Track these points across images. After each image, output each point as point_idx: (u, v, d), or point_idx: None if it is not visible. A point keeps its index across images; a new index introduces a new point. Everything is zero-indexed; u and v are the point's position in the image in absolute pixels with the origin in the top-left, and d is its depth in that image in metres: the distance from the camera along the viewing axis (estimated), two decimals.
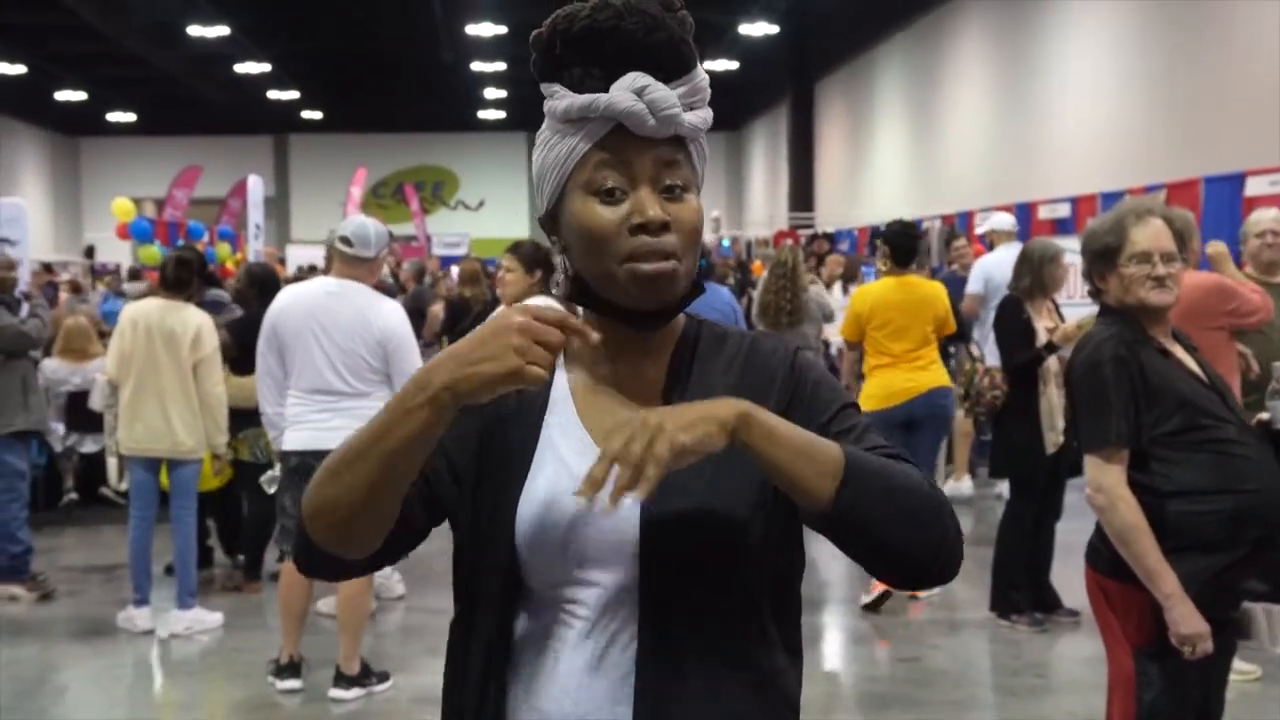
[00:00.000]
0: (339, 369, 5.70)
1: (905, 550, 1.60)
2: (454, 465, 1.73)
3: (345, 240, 5.82)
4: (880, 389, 7.37)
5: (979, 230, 13.45)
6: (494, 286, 6.44)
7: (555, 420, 1.75)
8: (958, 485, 10.48)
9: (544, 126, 1.72)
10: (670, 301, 1.69)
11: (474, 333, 1.56)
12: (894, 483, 1.59)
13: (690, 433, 1.50)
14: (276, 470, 6.11)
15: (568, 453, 1.72)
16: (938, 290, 7.63)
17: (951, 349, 10.19)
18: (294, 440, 5.77)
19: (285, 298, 5.93)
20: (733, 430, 1.52)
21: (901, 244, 7.56)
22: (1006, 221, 10.50)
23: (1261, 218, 6.27)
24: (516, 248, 6.34)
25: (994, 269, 9.43)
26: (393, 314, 5.83)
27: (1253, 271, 6.16)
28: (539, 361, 1.52)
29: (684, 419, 1.51)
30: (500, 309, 1.65)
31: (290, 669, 6.01)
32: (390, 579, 7.47)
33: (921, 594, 7.48)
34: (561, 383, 1.78)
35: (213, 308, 8.16)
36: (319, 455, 5.61)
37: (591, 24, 1.65)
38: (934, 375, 7.38)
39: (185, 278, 7.12)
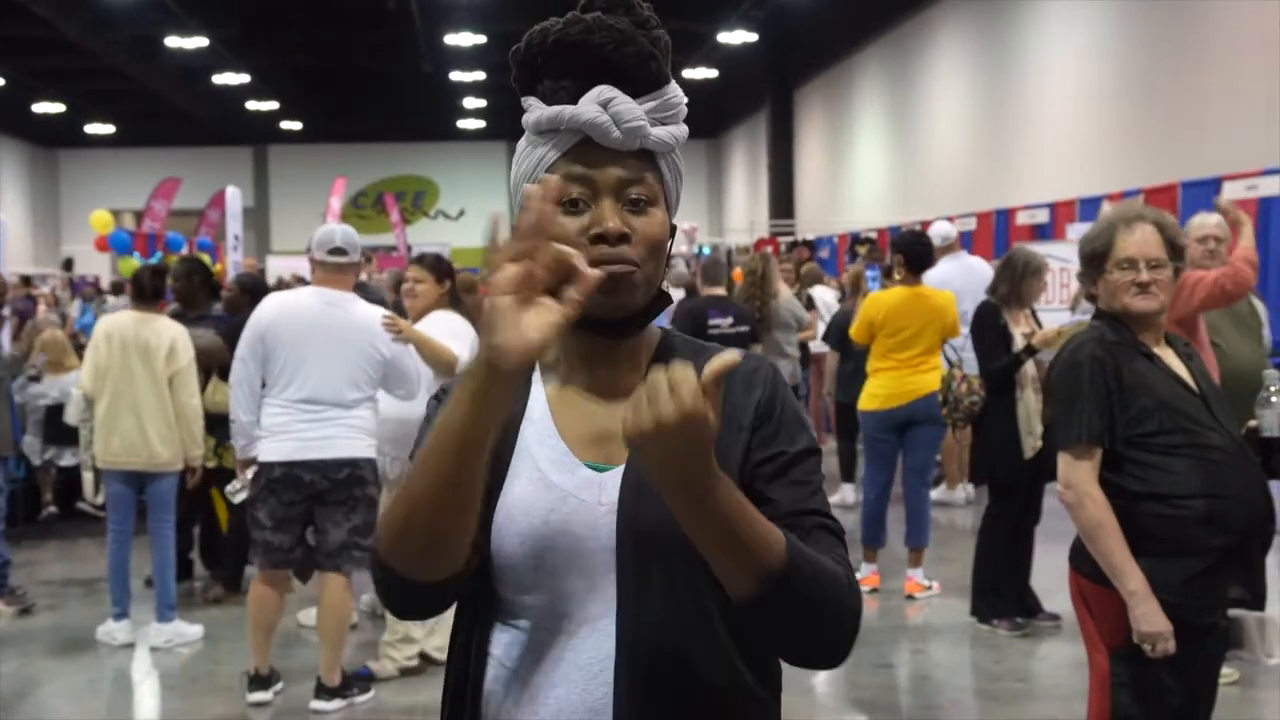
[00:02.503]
0: (339, 381, 5.70)
1: (797, 656, 1.67)
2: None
3: (338, 250, 5.81)
4: (882, 389, 7.70)
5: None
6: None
7: (532, 430, 1.75)
8: (951, 494, 10.54)
9: (522, 139, 1.76)
10: (629, 306, 1.70)
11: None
12: (815, 600, 1.59)
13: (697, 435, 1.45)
14: (243, 480, 6.05)
15: (544, 462, 1.72)
16: (948, 300, 7.82)
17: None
18: (277, 450, 5.72)
19: (274, 308, 5.86)
20: (703, 477, 1.49)
21: (915, 253, 7.78)
22: (939, 235, 9.99)
23: (1205, 222, 6.11)
24: (422, 259, 6.50)
25: (937, 283, 9.31)
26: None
27: None
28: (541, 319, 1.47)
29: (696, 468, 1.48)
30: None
31: (260, 681, 5.96)
32: None
33: (919, 594, 7.67)
34: (538, 392, 1.79)
35: (221, 321, 8.08)
36: (306, 465, 5.62)
37: (563, 37, 1.68)
38: (933, 380, 7.55)
39: (159, 288, 7.10)
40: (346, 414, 5.69)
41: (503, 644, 1.72)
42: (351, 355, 5.73)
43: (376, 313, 5.86)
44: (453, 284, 6.48)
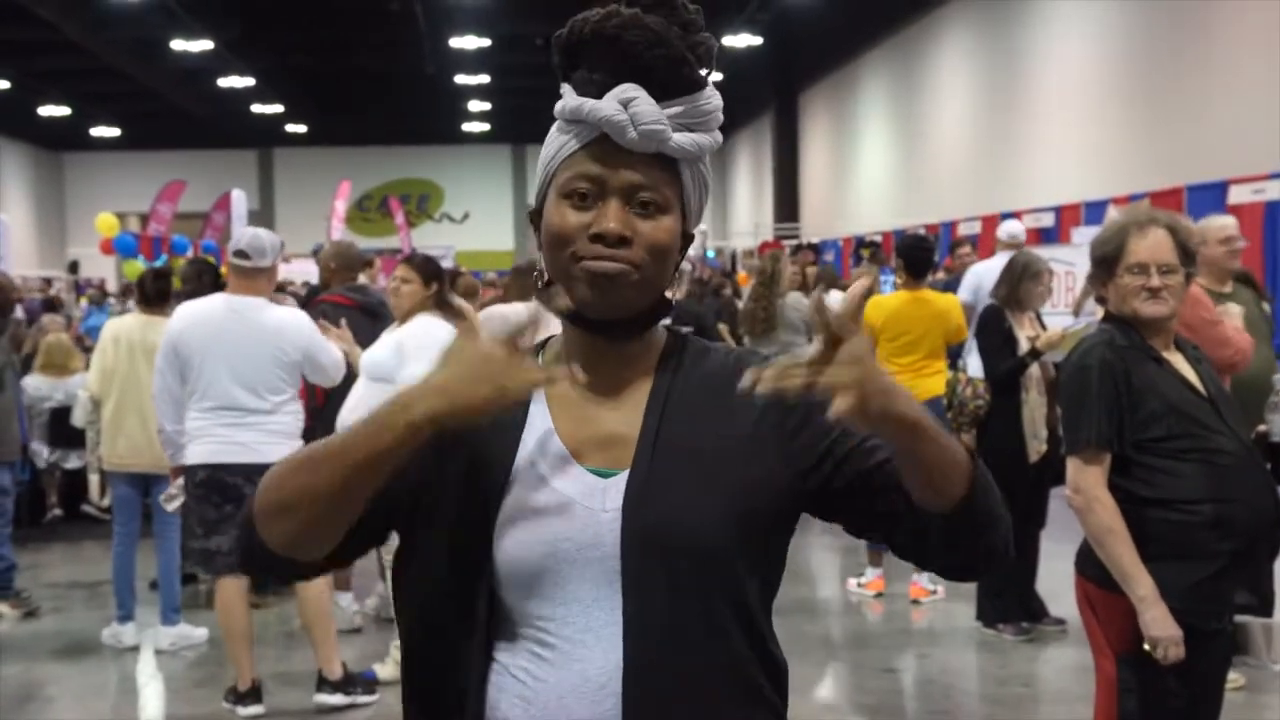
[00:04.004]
0: (248, 387, 5.69)
1: (994, 547, 1.68)
2: (409, 477, 1.67)
3: (242, 254, 5.80)
4: None
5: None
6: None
7: (532, 435, 1.71)
8: None
9: (554, 125, 1.74)
10: (623, 305, 1.67)
11: (447, 357, 1.58)
12: (995, 487, 1.67)
13: (902, 408, 1.53)
14: (178, 486, 6.03)
15: (545, 466, 1.69)
16: (951, 303, 7.79)
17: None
18: (200, 454, 5.71)
19: (183, 318, 5.87)
20: (914, 429, 1.55)
21: (915, 257, 7.75)
22: (1007, 233, 10.28)
23: (1226, 222, 6.04)
24: (411, 258, 6.45)
25: (985, 277, 9.36)
26: (299, 328, 5.85)
27: (1204, 281, 5.70)
28: (516, 386, 1.56)
29: (903, 397, 1.54)
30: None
31: (251, 694, 5.83)
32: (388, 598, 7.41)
33: (924, 599, 7.62)
34: (539, 395, 1.73)
35: None
36: (227, 469, 5.60)
37: (599, 29, 1.65)
38: (937, 383, 7.52)
39: (163, 291, 7.10)
40: (266, 419, 5.68)
41: (509, 653, 1.68)
42: (261, 362, 5.72)
43: (285, 315, 5.87)
44: (440, 287, 6.30)
